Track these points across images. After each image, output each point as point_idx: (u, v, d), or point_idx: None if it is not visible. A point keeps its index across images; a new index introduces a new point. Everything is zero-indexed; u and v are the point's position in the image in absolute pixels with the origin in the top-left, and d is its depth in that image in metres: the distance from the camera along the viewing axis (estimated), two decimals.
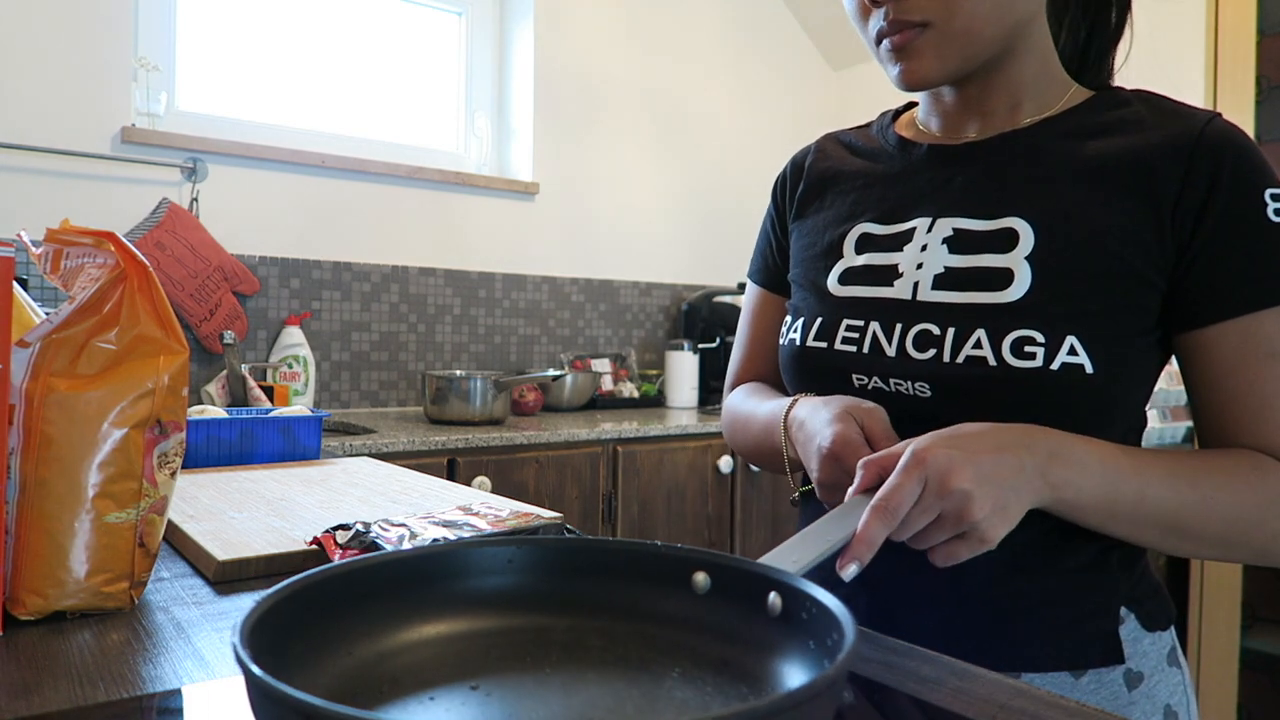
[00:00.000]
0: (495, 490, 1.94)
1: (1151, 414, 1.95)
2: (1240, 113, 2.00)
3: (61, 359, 0.59)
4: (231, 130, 2.38)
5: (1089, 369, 0.64)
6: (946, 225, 0.72)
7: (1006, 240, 0.68)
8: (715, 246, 3.19)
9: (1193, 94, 2.44)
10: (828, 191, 0.83)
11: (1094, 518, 0.62)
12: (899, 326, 0.71)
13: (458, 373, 2.29)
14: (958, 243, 0.71)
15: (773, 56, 3.36)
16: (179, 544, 0.79)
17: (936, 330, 0.69)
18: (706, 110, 3.19)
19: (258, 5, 2.48)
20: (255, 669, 0.32)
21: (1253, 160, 0.66)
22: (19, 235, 0.81)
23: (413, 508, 0.91)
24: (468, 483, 1.94)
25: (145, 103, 2.22)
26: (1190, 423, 2.06)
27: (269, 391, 2.12)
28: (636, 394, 2.81)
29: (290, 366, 2.30)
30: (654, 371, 2.95)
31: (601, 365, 2.85)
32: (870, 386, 0.73)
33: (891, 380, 0.71)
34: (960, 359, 0.67)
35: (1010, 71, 0.73)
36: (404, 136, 2.72)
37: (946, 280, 0.70)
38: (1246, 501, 0.63)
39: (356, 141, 2.59)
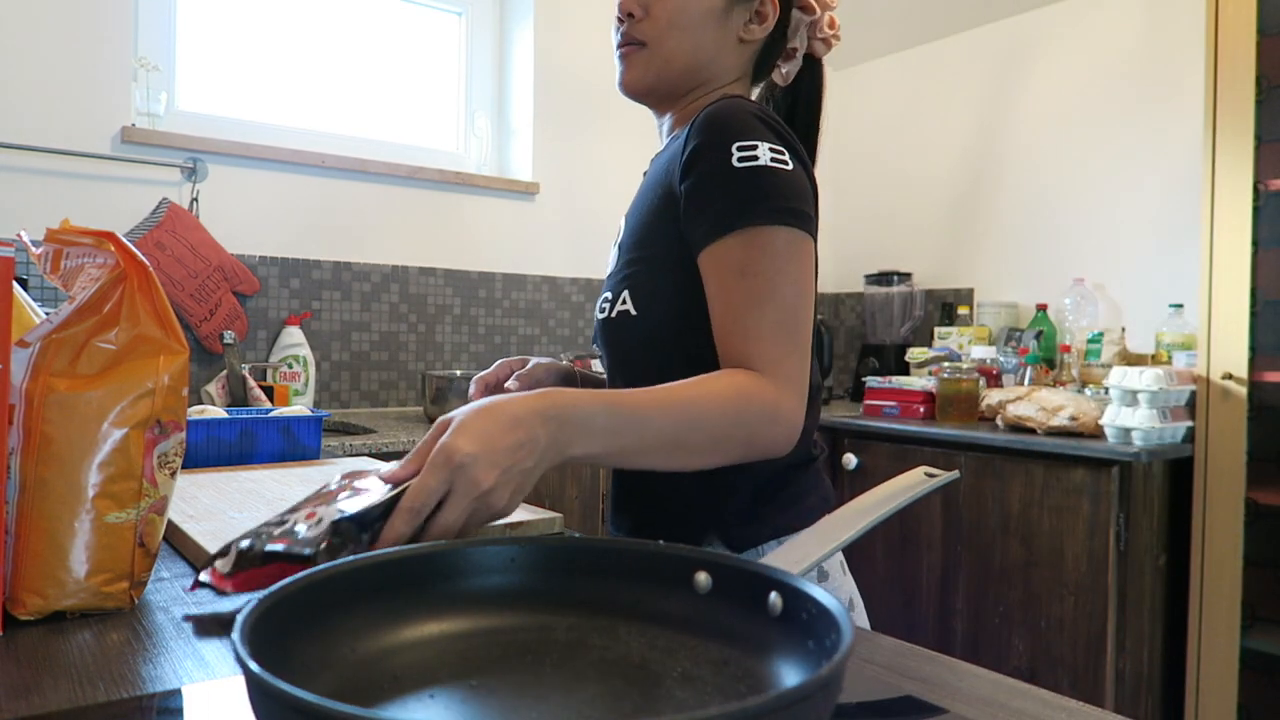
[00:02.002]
0: None
1: (1152, 414, 1.95)
2: (1240, 113, 2.00)
3: (61, 359, 0.59)
4: (231, 130, 2.38)
5: (633, 313, 0.88)
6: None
7: (620, 229, 0.96)
8: None
9: (1193, 94, 2.44)
10: None
11: (608, 461, 0.72)
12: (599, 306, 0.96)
13: (458, 373, 2.29)
14: (618, 240, 0.97)
15: None
16: (179, 544, 0.79)
17: (603, 304, 0.95)
18: None
19: (258, 5, 2.48)
20: (255, 667, 0.32)
21: (724, 121, 0.83)
22: (19, 235, 0.81)
23: None
24: None
25: (145, 103, 2.22)
26: (1190, 422, 2.06)
27: (269, 391, 2.12)
28: None
29: (290, 366, 2.30)
30: None
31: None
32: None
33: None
34: (599, 315, 0.95)
35: (688, 106, 0.96)
36: (404, 136, 2.72)
37: (611, 269, 0.95)
38: (727, 414, 0.75)
39: (356, 141, 2.59)
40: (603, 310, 0.92)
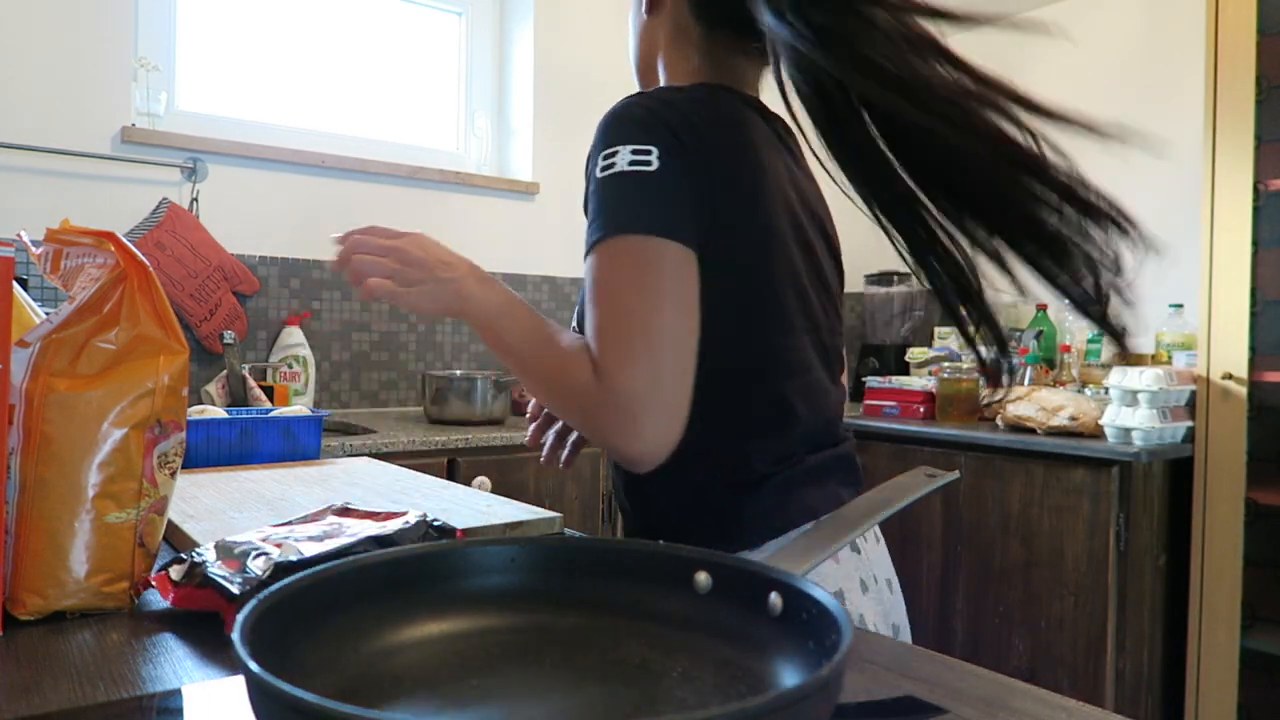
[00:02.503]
0: (495, 490, 1.94)
1: (1152, 414, 1.95)
2: (1240, 113, 2.00)
3: (61, 359, 0.59)
4: (231, 130, 2.38)
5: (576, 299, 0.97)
6: None
7: None
8: None
9: (1193, 94, 2.44)
10: None
11: (481, 334, 0.81)
12: None
13: (458, 373, 2.29)
14: None
15: None
16: (179, 544, 0.79)
17: None
18: None
19: (258, 5, 2.48)
20: (255, 667, 0.32)
21: (601, 127, 0.81)
22: (19, 235, 0.81)
23: (412, 507, 0.91)
24: (468, 483, 1.94)
25: (145, 103, 2.22)
26: (1190, 422, 2.06)
27: (269, 391, 2.12)
28: None
29: (290, 366, 2.30)
30: None
31: None
32: None
33: None
34: None
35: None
36: (404, 136, 2.72)
37: None
38: (556, 361, 0.78)
39: (356, 141, 2.59)
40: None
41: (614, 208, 0.77)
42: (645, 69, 0.96)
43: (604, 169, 0.78)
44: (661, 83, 0.94)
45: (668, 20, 0.93)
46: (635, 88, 0.97)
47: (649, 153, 0.77)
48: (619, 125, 0.80)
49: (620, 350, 0.74)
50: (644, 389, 0.73)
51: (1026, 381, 2.45)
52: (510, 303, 0.81)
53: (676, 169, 0.77)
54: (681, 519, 0.87)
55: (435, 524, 0.69)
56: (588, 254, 0.79)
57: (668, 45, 0.94)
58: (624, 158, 0.77)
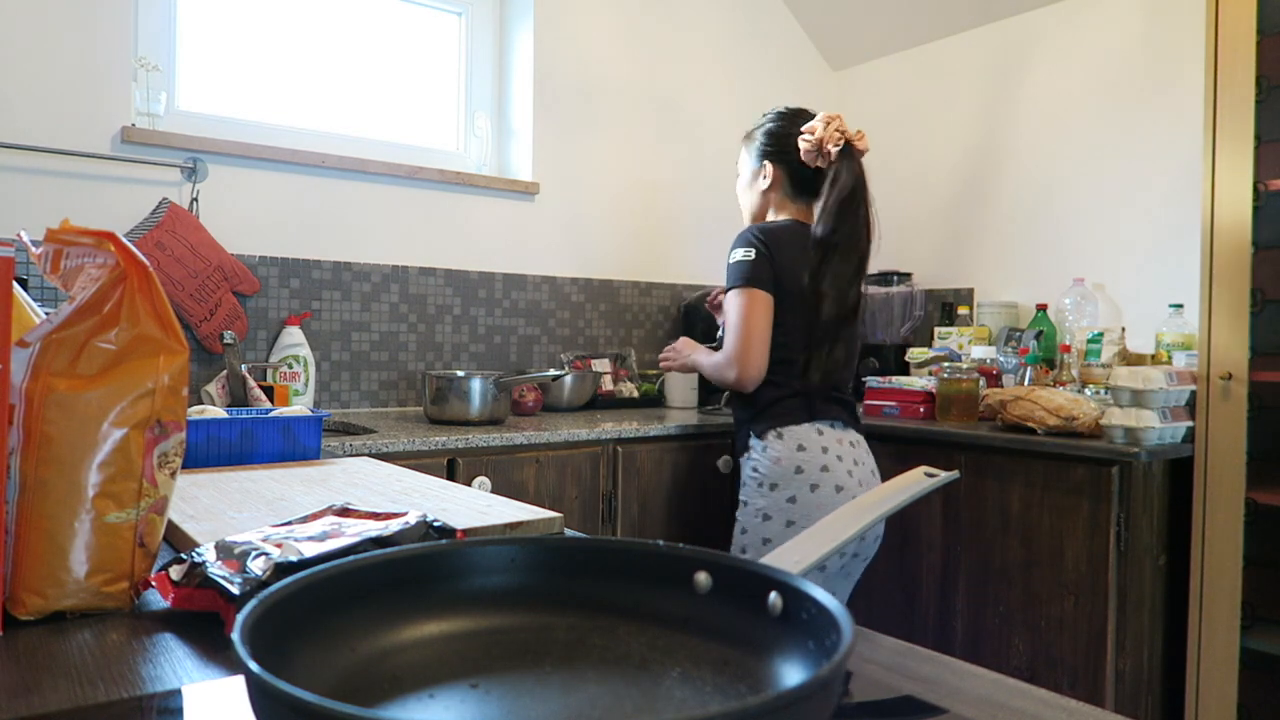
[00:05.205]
0: (495, 490, 1.94)
1: (1152, 414, 1.95)
2: (1240, 113, 2.00)
3: (61, 359, 0.59)
4: (231, 130, 2.38)
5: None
6: None
7: None
8: (715, 246, 3.19)
9: (1193, 94, 2.44)
10: None
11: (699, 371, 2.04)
12: None
13: (458, 373, 2.29)
14: None
15: (772, 56, 3.36)
16: (179, 544, 0.79)
17: None
18: (706, 110, 3.19)
19: (258, 5, 2.48)
20: (255, 666, 0.32)
21: (738, 238, 1.89)
22: (19, 235, 0.81)
23: (412, 507, 0.91)
24: (468, 483, 1.94)
25: (145, 103, 2.22)
26: (1190, 422, 2.06)
27: (269, 391, 2.12)
28: (636, 394, 2.81)
29: (290, 366, 2.30)
30: (654, 371, 2.95)
31: (601, 365, 2.85)
32: None
33: None
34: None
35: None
36: (404, 136, 2.72)
37: None
38: (713, 363, 1.93)
39: (356, 141, 2.59)
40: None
41: (732, 277, 1.85)
42: (758, 215, 2.00)
43: (731, 259, 1.86)
44: (768, 217, 1.98)
45: (775, 192, 1.97)
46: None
47: (749, 251, 1.84)
48: (738, 240, 1.88)
49: (736, 340, 1.84)
50: (742, 355, 1.84)
51: (1026, 381, 2.45)
52: (705, 354, 2.01)
53: (760, 258, 1.83)
54: (753, 416, 1.90)
55: (435, 524, 0.69)
56: (725, 293, 1.91)
57: (775, 206, 1.97)
58: (738, 254, 1.85)
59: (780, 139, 1.91)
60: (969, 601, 2.20)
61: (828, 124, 1.83)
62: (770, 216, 1.93)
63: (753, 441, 1.86)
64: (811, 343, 1.84)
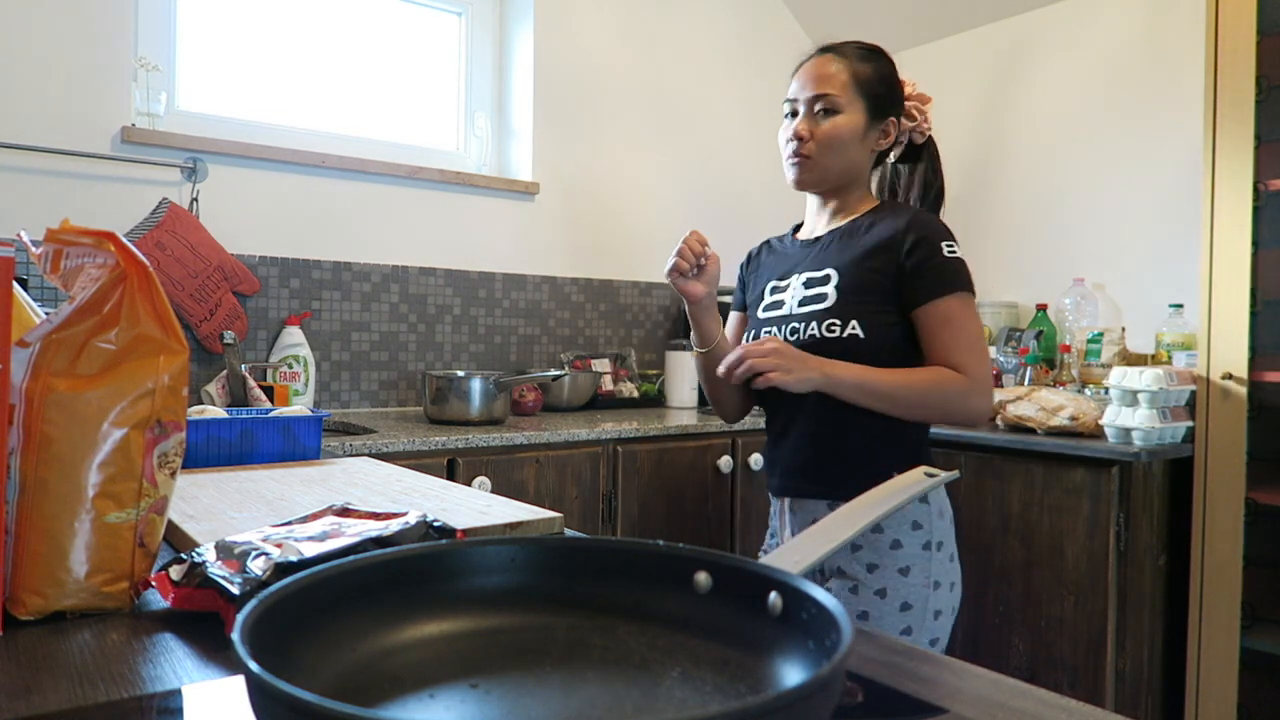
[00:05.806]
0: (495, 490, 1.94)
1: (1152, 414, 1.95)
2: (1240, 113, 2.00)
3: (61, 359, 0.59)
4: (231, 130, 2.38)
5: (862, 336, 1.32)
6: (803, 276, 1.42)
7: (825, 278, 1.38)
8: (715, 246, 3.18)
9: (1193, 94, 2.44)
10: (760, 267, 1.57)
11: (850, 393, 1.30)
12: (781, 326, 1.41)
13: (458, 373, 2.29)
14: (807, 283, 1.40)
15: (773, 56, 3.36)
16: (179, 544, 0.79)
17: (798, 325, 1.38)
18: (706, 110, 3.19)
19: (258, 5, 2.48)
20: (255, 666, 0.32)
21: (934, 227, 1.35)
22: (19, 235, 0.81)
23: (412, 507, 0.91)
24: (468, 483, 1.94)
25: (145, 103, 2.22)
26: (1190, 422, 2.06)
27: (269, 391, 2.12)
28: (636, 394, 2.81)
29: (290, 366, 2.30)
30: (654, 371, 2.95)
31: (601, 365, 2.85)
32: None
33: None
34: (805, 337, 1.36)
35: (843, 194, 1.45)
36: (404, 136, 2.72)
37: (802, 301, 1.39)
38: (928, 384, 1.30)
39: (356, 141, 2.59)
40: (831, 330, 1.33)
41: (960, 276, 1.33)
42: (844, 173, 1.43)
43: (950, 253, 1.33)
44: (851, 183, 1.45)
45: (877, 150, 1.47)
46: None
47: (958, 247, 1.36)
48: (947, 230, 1.37)
49: (977, 356, 1.32)
50: (987, 376, 1.33)
51: (1027, 381, 2.45)
52: (863, 368, 1.30)
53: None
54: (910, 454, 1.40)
55: (435, 524, 0.69)
56: (941, 296, 1.31)
57: (863, 175, 1.47)
58: (958, 250, 1.35)
59: (900, 97, 1.49)
60: (969, 601, 2.20)
61: (927, 110, 1.53)
62: (857, 188, 1.45)
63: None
64: None
